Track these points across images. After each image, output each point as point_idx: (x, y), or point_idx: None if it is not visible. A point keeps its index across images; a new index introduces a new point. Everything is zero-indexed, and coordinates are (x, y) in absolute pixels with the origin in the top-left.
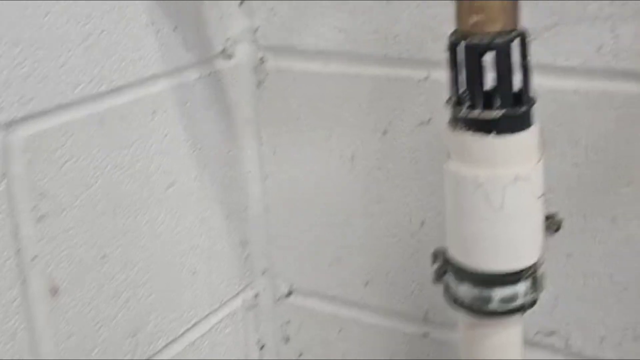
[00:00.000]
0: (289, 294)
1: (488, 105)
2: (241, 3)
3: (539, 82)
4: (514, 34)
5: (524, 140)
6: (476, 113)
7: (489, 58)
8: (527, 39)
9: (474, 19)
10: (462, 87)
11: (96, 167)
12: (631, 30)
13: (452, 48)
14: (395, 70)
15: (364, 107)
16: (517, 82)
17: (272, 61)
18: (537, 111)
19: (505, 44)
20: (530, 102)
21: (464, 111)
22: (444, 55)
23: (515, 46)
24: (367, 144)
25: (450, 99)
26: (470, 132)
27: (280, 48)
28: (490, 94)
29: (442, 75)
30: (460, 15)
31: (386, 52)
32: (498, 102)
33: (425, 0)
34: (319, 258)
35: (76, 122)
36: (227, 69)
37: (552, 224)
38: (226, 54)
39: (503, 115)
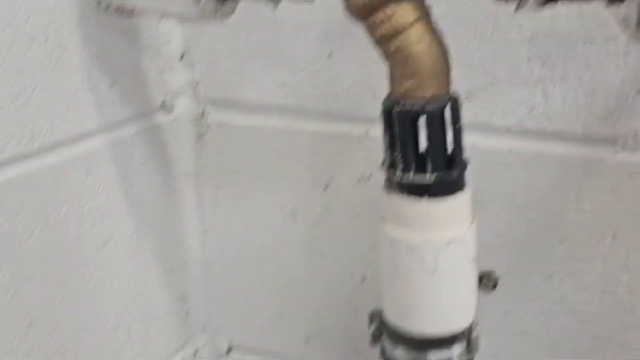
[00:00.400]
0: (229, 350)
1: (421, 168)
2: (182, 56)
3: (475, 142)
4: (445, 99)
5: (457, 204)
6: (409, 177)
7: (422, 122)
8: (459, 104)
9: (406, 84)
10: (397, 150)
11: (26, 228)
12: (561, 93)
13: (386, 112)
14: (335, 126)
15: (305, 161)
16: (450, 143)
17: (213, 114)
18: (472, 170)
19: (437, 109)
20: (463, 165)
21: (397, 175)
22: None
23: (448, 110)
24: (309, 198)
25: (384, 161)
26: (403, 196)
27: (221, 101)
28: (424, 156)
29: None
30: (393, 80)
31: (327, 108)
32: (431, 166)
33: (364, 60)
34: (260, 313)
35: (5, 182)
36: (167, 123)
37: (488, 282)
38: (166, 108)
39: (436, 180)
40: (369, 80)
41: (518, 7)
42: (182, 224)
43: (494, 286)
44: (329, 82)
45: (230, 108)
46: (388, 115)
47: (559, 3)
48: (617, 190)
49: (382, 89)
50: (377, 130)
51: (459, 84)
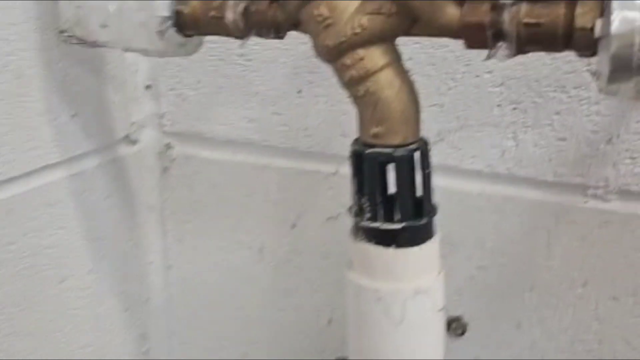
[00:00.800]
0: None
1: (389, 216)
2: (148, 87)
3: (445, 184)
4: (414, 146)
5: (425, 252)
6: (377, 224)
7: (390, 168)
8: (428, 150)
9: (375, 129)
10: (365, 195)
11: None
12: (532, 139)
13: (355, 157)
14: (304, 164)
15: (272, 198)
16: (419, 190)
17: (179, 148)
18: (442, 213)
19: (406, 156)
20: (432, 212)
21: (364, 221)
22: None
23: (417, 156)
24: (276, 236)
25: (352, 207)
26: (370, 243)
27: (187, 135)
28: (392, 203)
29: None
30: (362, 124)
31: (295, 145)
32: (399, 213)
33: (334, 97)
34: (224, 353)
35: None
36: (131, 155)
37: (457, 328)
38: (130, 140)
39: (404, 228)
40: (339, 118)
41: (489, 56)
42: (144, 259)
43: (463, 332)
44: (299, 118)
45: (197, 141)
46: (356, 160)
47: (529, 54)
48: (588, 237)
49: (352, 127)
50: (347, 169)
51: (429, 126)
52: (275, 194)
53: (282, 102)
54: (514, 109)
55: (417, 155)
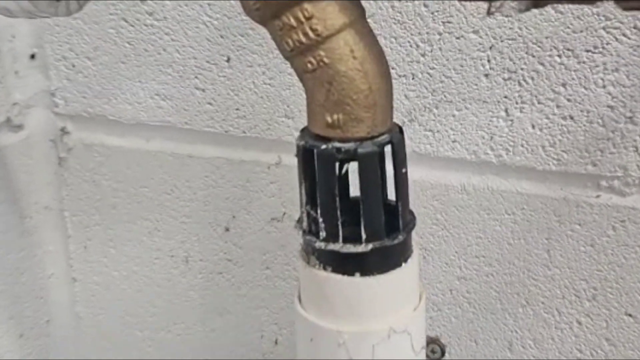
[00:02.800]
0: None
1: (353, 233)
2: (32, 57)
3: (419, 176)
4: (385, 137)
5: (401, 281)
6: (335, 246)
7: (352, 169)
8: (403, 143)
9: (331, 117)
10: (317, 207)
11: None
12: (530, 117)
13: (303, 155)
14: (238, 152)
15: (199, 196)
16: (392, 198)
17: (77, 133)
18: (415, 211)
19: (373, 153)
20: (409, 225)
21: (318, 241)
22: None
23: (389, 152)
24: (205, 242)
25: (300, 220)
26: (327, 271)
27: (86, 117)
28: (356, 216)
29: None
30: (312, 111)
31: (226, 129)
32: (365, 232)
33: (274, 66)
34: None
35: None
36: (15, 144)
37: (434, 350)
38: (12, 125)
39: (372, 250)
40: (281, 93)
41: (491, 10)
42: (42, 272)
43: (442, 355)
44: (228, 94)
45: (99, 125)
46: (306, 159)
47: (549, 6)
48: (598, 241)
49: (299, 105)
50: (292, 158)
51: (397, 103)
52: (202, 190)
53: (205, 74)
54: (507, 79)
55: (388, 150)
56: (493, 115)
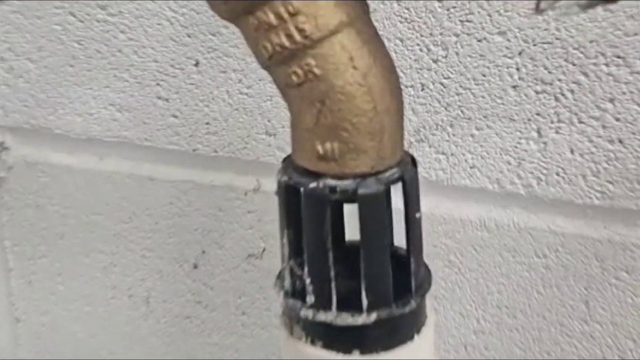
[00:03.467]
0: None
1: (351, 300)
2: None
3: (429, 209)
4: (395, 172)
5: (413, 358)
6: (327, 316)
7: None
8: (417, 179)
9: (324, 147)
10: (305, 264)
11: None
12: (568, 139)
13: (285, 194)
14: (209, 175)
15: (162, 226)
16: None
17: (18, 149)
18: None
19: (378, 195)
20: (423, 287)
21: (305, 309)
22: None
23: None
24: (170, 280)
25: (281, 278)
26: (317, 346)
27: (29, 130)
28: (355, 276)
29: None
30: (299, 140)
31: (194, 147)
32: (367, 297)
33: (252, 71)
34: None
35: None
36: None
37: None
38: None
39: (377, 322)
40: (261, 105)
41: (541, 7)
42: None
43: None
44: (197, 105)
45: (44, 140)
46: (290, 200)
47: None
48: None
49: (283, 117)
50: (274, 183)
51: (404, 120)
52: (165, 220)
53: (169, 80)
54: (541, 92)
55: (398, 189)
56: (522, 137)
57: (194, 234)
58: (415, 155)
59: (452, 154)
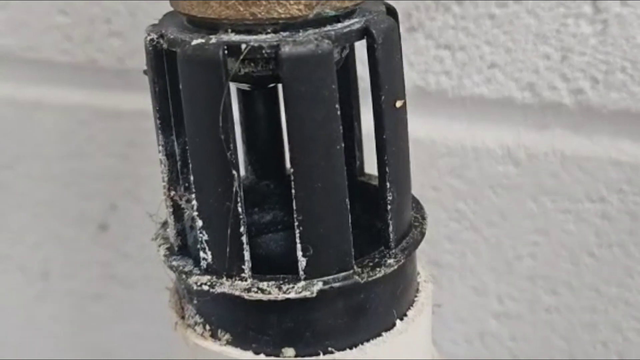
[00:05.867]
0: None
1: (275, 253)
2: None
3: (430, 132)
4: (351, 24)
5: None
6: (236, 285)
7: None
8: (392, 38)
9: None
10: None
11: None
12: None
13: (158, 64)
14: (114, 96)
15: (57, 171)
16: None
17: None
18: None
19: (319, 58)
20: (409, 242)
21: (197, 274)
22: None
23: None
24: (72, 246)
25: (164, 226)
26: (218, 341)
27: None
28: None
29: None
30: None
31: (93, 57)
32: (303, 255)
33: None
34: None
35: None
36: None
37: None
38: None
39: (322, 295)
40: None
41: None
42: None
43: None
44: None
45: None
46: (163, 74)
47: None
48: None
49: None
50: None
51: None
52: (60, 163)
53: None
54: None
55: (360, 55)
56: (568, 13)
57: (99, 182)
58: (404, 51)
59: (460, 48)
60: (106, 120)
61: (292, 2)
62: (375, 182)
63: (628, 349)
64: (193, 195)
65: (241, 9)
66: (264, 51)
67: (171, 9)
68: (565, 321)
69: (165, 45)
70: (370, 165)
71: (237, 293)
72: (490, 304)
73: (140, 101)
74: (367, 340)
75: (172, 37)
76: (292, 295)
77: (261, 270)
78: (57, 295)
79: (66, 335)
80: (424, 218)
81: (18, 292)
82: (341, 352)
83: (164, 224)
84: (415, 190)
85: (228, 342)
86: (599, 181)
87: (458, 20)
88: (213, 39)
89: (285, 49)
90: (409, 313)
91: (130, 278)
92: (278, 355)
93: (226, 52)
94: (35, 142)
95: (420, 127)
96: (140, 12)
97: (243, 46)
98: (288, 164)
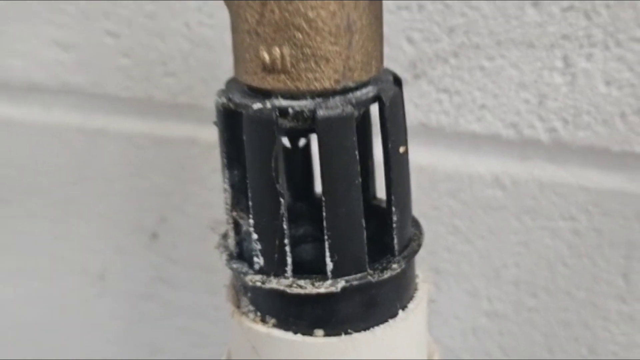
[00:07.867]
0: None
1: (312, 261)
2: None
3: (431, 160)
4: (368, 92)
5: (395, 341)
6: (280, 282)
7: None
8: (399, 101)
9: (273, 52)
10: (248, 212)
11: None
12: (598, 70)
13: (226, 120)
14: (167, 126)
15: (116, 189)
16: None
17: None
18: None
19: (345, 119)
20: (410, 247)
21: (251, 274)
22: None
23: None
24: (127, 252)
25: (225, 236)
26: (267, 324)
27: None
28: (316, 231)
29: None
30: (240, 44)
31: (150, 94)
32: (331, 260)
33: None
34: None
35: None
36: None
37: None
38: None
39: (345, 291)
40: (225, 36)
41: None
42: None
43: None
44: (151, 40)
45: None
46: (231, 128)
47: None
48: None
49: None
50: None
51: (397, 51)
52: (120, 182)
53: (120, 12)
54: (567, 9)
55: (377, 110)
56: (544, 67)
57: (153, 198)
58: (410, 94)
59: (456, 92)
60: (160, 146)
61: (325, 79)
62: (384, 205)
63: (596, 344)
64: (250, 215)
65: (289, 83)
66: (304, 113)
67: (221, 67)
68: (544, 320)
69: (232, 106)
70: (380, 191)
71: (281, 288)
72: (481, 304)
73: (189, 130)
74: (377, 325)
75: (237, 101)
76: (322, 290)
77: (298, 271)
78: (114, 294)
79: (120, 330)
80: (421, 233)
81: (80, 291)
82: (357, 333)
83: (224, 236)
84: (419, 209)
85: (274, 325)
86: (570, 203)
87: (454, 70)
88: (268, 104)
89: (320, 112)
90: (409, 305)
91: (177, 280)
92: (311, 335)
93: (277, 113)
94: (99, 163)
95: (424, 157)
96: (191, 58)
97: (290, 110)
98: (317, 190)
